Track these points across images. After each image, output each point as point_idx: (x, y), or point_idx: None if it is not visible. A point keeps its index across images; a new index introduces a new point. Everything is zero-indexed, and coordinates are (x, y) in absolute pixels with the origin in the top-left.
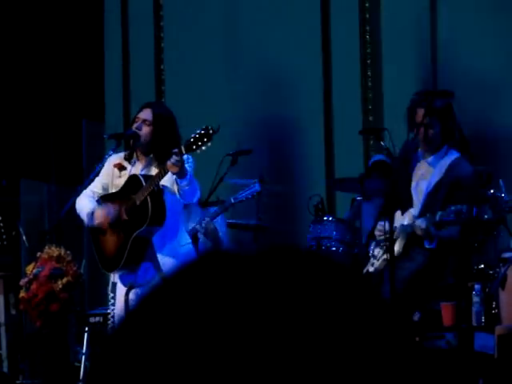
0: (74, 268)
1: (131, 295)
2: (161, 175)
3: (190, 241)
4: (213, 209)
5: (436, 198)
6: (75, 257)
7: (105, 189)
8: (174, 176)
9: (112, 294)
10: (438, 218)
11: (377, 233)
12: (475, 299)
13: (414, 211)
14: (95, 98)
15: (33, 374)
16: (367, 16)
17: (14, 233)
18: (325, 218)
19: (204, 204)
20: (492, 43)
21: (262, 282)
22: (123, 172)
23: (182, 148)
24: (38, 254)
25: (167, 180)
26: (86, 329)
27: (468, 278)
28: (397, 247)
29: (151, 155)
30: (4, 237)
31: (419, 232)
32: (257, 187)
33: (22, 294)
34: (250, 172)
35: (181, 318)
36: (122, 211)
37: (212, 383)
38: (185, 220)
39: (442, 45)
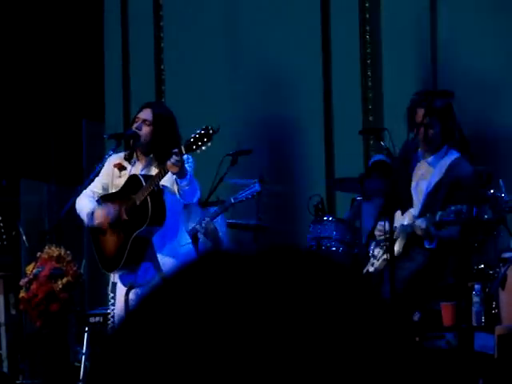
0: (74, 268)
1: (131, 295)
2: (161, 175)
3: (190, 241)
4: (213, 209)
5: (436, 197)
6: (75, 257)
7: (105, 189)
8: (174, 176)
9: (112, 294)
10: (438, 218)
11: (377, 233)
12: (475, 299)
13: (414, 211)
14: (95, 98)
15: (33, 374)
16: (367, 16)
17: (14, 233)
18: (325, 218)
19: (204, 204)
20: (492, 43)
21: (261, 282)
22: (123, 172)
23: (182, 148)
24: (38, 253)
25: (167, 180)
26: (86, 329)
27: (468, 277)
28: (397, 247)
29: (151, 155)
30: (4, 237)
31: (419, 232)
32: (257, 187)
33: (22, 293)
34: (249, 172)
35: (181, 318)
36: (122, 211)
37: (212, 383)
38: (185, 220)
39: (441, 45)
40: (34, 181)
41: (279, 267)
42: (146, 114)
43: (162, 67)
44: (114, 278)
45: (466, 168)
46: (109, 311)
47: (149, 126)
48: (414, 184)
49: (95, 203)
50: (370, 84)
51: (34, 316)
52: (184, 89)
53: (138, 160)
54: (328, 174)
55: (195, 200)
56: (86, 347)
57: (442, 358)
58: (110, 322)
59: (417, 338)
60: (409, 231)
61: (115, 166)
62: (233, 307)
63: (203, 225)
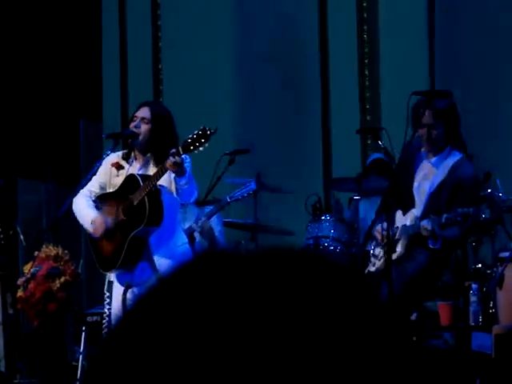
0: (72, 267)
1: (128, 295)
2: (159, 174)
3: (187, 241)
4: (209, 208)
5: (439, 198)
6: (73, 256)
7: (102, 188)
8: (172, 176)
9: (108, 293)
10: (444, 220)
11: (378, 235)
12: (472, 299)
13: (416, 212)
14: (93, 97)
15: (30, 374)
16: (365, 15)
17: (11, 232)
18: (322, 218)
19: (200, 203)
20: (491, 43)
21: (258, 282)
22: (121, 171)
23: (180, 148)
24: (36, 253)
25: (164, 180)
26: (84, 328)
27: (465, 277)
28: (399, 248)
29: (149, 154)
30: (1, 236)
31: (425, 233)
32: (252, 186)
33: (20, 293)
34: (247, 171)
35: (177, 318)
36: (120, 211)
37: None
38: (181, 219)
39: (439, 44)
40: (31, 180)
41: (276, 268)
42: (144, 112)
43: (160, 67)
44: (111, 276)
45: (469, 169)
46: (105, 310)
47: (147, 124)
48: (416, 184)
49: (94, 210)
50: (367, 83)
51: (32, 315)
52: (182, 88)
53: (136, 159)
54: (326, 173)
55: (192, 200)
56: (84, 347)
57: (440, 358)
58: (105, 321)
59: (414, 338)
60: (411, 233)
61: (113, 165)
62: (229, 308)
63: (199, 224)
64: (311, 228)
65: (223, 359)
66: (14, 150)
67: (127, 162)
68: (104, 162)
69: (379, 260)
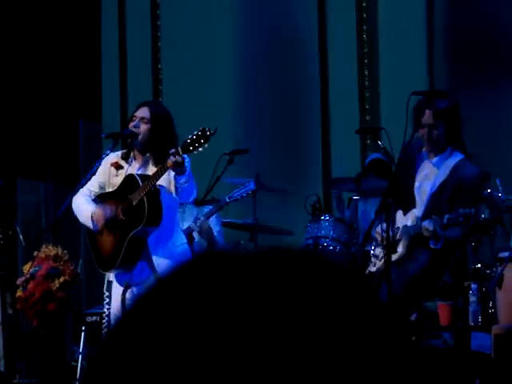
0: (71, 267)
1: (127, 294)
2: (159, 174)
3: (186, 241)
4: (207, 208)
5: (440, 198)
6: (72, 256)
7: (101, 187)
8: (172, 174)
9: (107, 293)
10: (445, 220)
11: (377, 236)
12: (472, 299)
13: (417, 212)
14: (92, 97)
15: (30, 374)
16: (364, 15)
17: (10, 232)
18: (322, 218)
19: (199, 203)
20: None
21: (257, 283)
22: (120, 171)
23: (179, 149)
24: (35, 253)
25: (164, 179)
26: (83, 328)
27: (465, 277)
28: (400, 248)
29: (148, 154)
30: (1, 236)
31: (426, 234)
32: (251, 186)
33: (19, 293)
34: (246, 171)
35: (176, 318)
36: (119, 211)
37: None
38: (180, 219)
39: (438, 44)
40: (30, 180)
41: (276, 268)
42: (144, 112)
43: (160, 66)
44: (110, 276)
45: (471, 170)
46: (104, 310)
47: (146, 123)
48: (417, 184)
49: (93, 204)
50: (367, 83)
51: (31, 315)
52: (181, 88)
53: (135, 159)
54: (325, 173)
55: (191, 199)
56: (83, 347)
57: (439, 358)
58: (105, 320)
59: (414, 338)
60: (412, 233)
61: (112, 164)
62: (228, 308)
63: (198, 224)
64: (310, 228)
65: (222, 359)
66: (13, 150)
67: (126, 162)
68: (103, 162)
69: (380, 260)
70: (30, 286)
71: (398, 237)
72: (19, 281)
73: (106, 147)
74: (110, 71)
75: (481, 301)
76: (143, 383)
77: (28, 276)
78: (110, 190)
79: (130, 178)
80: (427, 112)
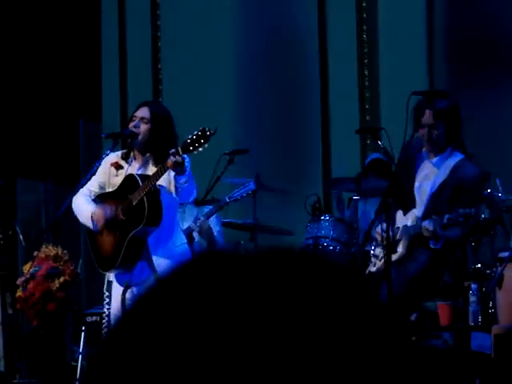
0: (71, 267)
1: (127, 294)
2: (159, 174)
3: (186, 241)
4: (207, 208)
5: (440, 198)
6: (72, 256)
7: (101, 187)
8: (172, 174)
9: (107, 293)
10: (445, 220)
11: (378, 237)
12: (472, 299)
13: (417, 212)
14: (92, 97)
15: (30, 374)
16: (364, 15)
17: (10, 232)
18: (322, 218)
19: (199, 203)
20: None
21: (257, 282)
22: (120, 171)
23: (179, 149)
24: (35, 253)
25: (163, 179)
26: (83, 328)
27: (465, 277)
28: (400, 248)
29: (148, 154)
30: (1, 236)
31: (426, 234)
32: (251, 186)
33: (19, 293)
34: (246, 171)
35: (176, 318)
36: (119, 211)
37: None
38: (179, 219)
39: (438, 44)
40: (30, 180)
41: (275, 268)
42: (144, 112)
43: (160, 66)
44: (110, 276)
45: (471, 170)
46: (104, 310)
47: (146, 123)
48: (417, 184)
49: (93, 204)
50: (367, 83)
51: (31, 315)
52: (181, 88)
53: (135, 159)
54: (325, 173)
55: (191, 199)
56: (83, 347)
57: (439, 358)
58: (105, 320)
59: (414, 338)
60: (412, 233)
61: (112, 164)
62: (228, 308)
63: (198, 224)
64: (310, 228)
65: (222, 359)
66: (13, 150)
67: (126, 162)
68: (103, 162)
69: (380, 260)
70: (30, 286)
71: (398, 237)
72: (19, 281)
73: (106, 147)
74: (110, 71)
75: (481, 301)
76: (143, 383)
77: (28, 276)
78: (110, 189)
79: (130, 177)
80: (427, 112)
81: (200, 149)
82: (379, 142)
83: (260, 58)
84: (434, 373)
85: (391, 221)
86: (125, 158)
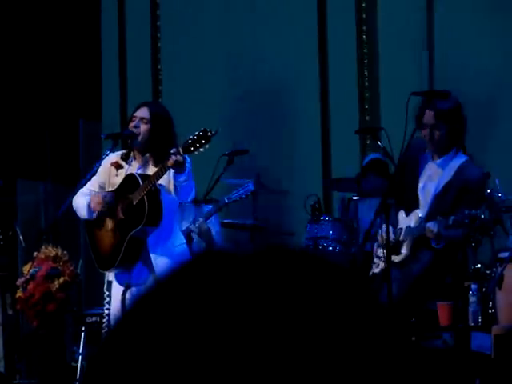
0: (71, 268)
1: (127, 295)
2: (159, 174)
3: (185, 241)
4: (206, 208)
5: (444, 200)
6: (72, 257)
7: (101, 187)
8: (171, 173)
9: (107, 293)
10: (451, 221)
11: (380, 240)
12: (472, 299)
13: (420, 213)
14: (92, 97)
15: (30, 374)
16: (364, 16)
17: (10, 233)
18: (321, 218)
19: (198, 203)
20: (488, 43)
21: (257, 282)
22: (120, 171)
23: (180, 149)
24: (35, 253)
25: (163, 179)
26: (83, 329)
27: (465, 277)
28: (404, 250)
29: (148, 154)
30: (1, 237)
31: (430, 235)
32: (250, 187)
33: (19, 293)
34: (246, 172)
35: (176, 318)
36: (119, 209)
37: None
38: (178, 219)
39: (438, 44)
40: (30, 181)
41: (275, 267)
42: (143, 112)
43: (159, 67)
44: (110, 276)
45: (475, 171)
46: (104, 310)
47: (146, 124)
48: (421, 185)
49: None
50: (366, 84)
51: (31, 316)
52: (181, 89)
53: (135, 159)
54: (325, 173)
55: (190, 199)
56: (83, 347)
57: (439, 358)
58: (105, 320)
59: (413, 338)
60: (416, 234)
61: (112, 164)
62: (228, 308)
63: (197, 225)
64: (310, 228)
65: (222, 359)
66: (13, 150)
67: (126, 162)
68: (103, 162)
69: (383, 261)
70: (30, 286)
71: (401, 238)
72: (19, 281)
73: (105, 147)
74: (110, 71)
75: (481, 301)
76: (143, 383)
77: (28, 277)
78: (110, 189)
79: (130, 177)
80: (428, 112)
81: (201, 149)
82: (379, 143)
83: (259, 59)
84: (434, 373)
85: (392, 221)
86: (125, 158)
